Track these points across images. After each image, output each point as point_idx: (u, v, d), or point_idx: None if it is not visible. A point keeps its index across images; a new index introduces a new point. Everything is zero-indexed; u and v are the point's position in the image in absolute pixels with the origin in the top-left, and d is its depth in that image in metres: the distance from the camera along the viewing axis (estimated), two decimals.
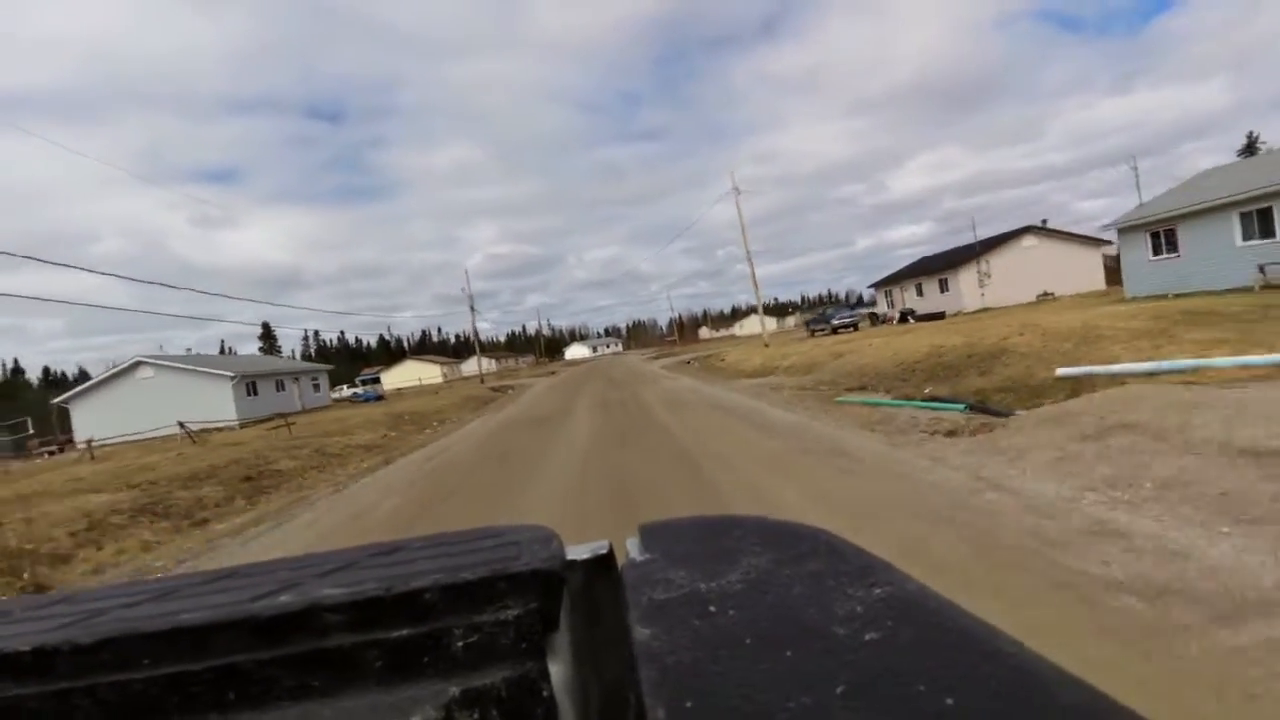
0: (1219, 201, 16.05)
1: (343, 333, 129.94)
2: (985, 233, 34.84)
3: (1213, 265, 16.17)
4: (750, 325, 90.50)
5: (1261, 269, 14.56)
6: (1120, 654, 2.39)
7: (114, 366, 28.93)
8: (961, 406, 8.24)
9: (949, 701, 0.24)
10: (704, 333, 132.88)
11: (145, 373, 27.94)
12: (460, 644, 0.30)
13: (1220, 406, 5.29)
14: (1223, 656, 2.28)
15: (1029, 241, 30.38)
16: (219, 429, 24.01)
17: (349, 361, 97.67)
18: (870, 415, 8.79)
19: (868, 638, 0.28)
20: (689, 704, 0.25)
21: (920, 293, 33.93)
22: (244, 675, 0.28)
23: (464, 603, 0.30)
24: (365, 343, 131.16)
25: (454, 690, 0.29)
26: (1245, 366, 6.62)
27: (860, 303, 57.07)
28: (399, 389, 50.06)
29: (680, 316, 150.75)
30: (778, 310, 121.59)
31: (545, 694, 0.30)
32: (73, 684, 0.28)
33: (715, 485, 5.90)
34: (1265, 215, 15.07)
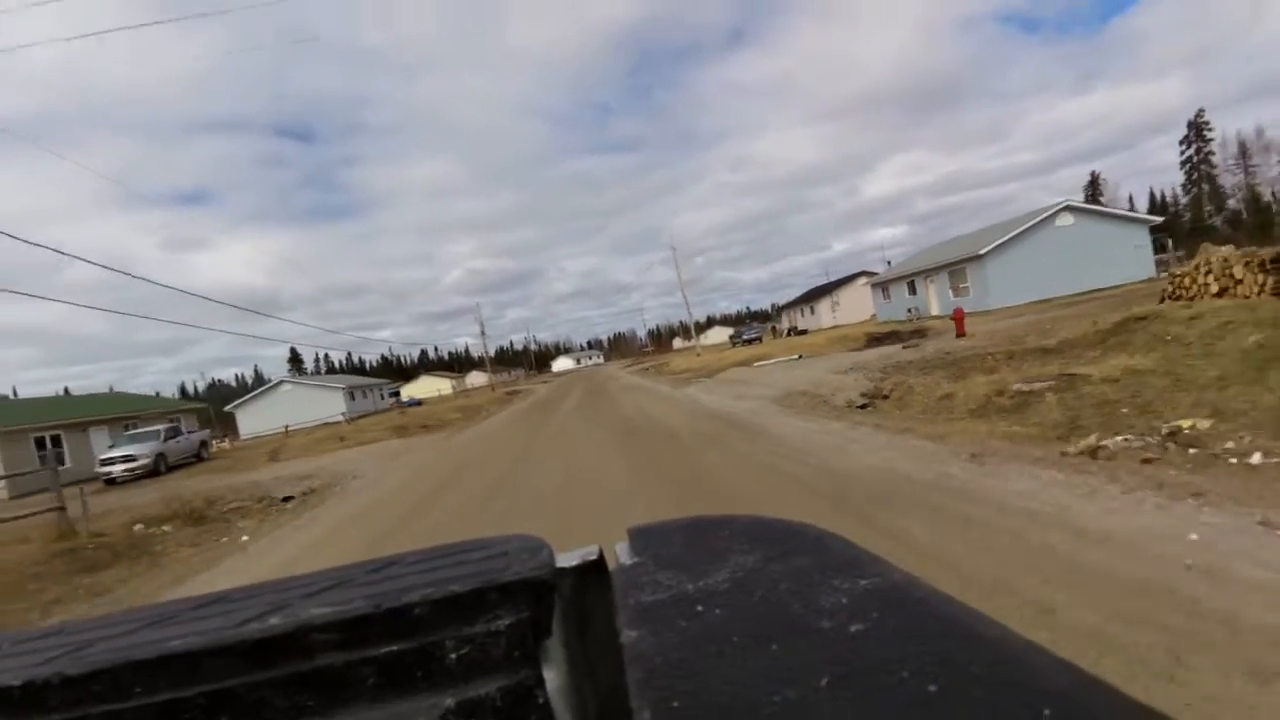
0: (898, 274, 31.04)
1: (350, 353, 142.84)
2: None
3: (897, 308, 31.09)
4: (713, 336, 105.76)
5: (909, 310, 29.43)
6: (677, 397, 16.92)
7: (264, 387, 43.18)
8: (711, 378, 22.70)
9: (932, 689, 0.24)
10: (677, 343, 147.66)
11: (286, 388, 42.30)
12: (453, 656, 0.29)
13: (753, 371, 19.85)
14: (680, 396, 16.83)
15: (861, 280, 45.36)
16: (346, 420, 38.09)
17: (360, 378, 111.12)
18: (688, 384, 23.27)
19: (853, 629, 0.29)
20: (675, 703, 0.25)
21: (803, 314, 49.05)
22: (236, 699, 0.28)
23: (455, 615, 0.30)
24: (369, 361, 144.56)
25: (449, 703, 0.29)
26: (744, 360, 21.23)
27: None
28: (424, 398, 64.03)
29: (658, 328, 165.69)
30: (738, 321, 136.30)
31: (541, 701, 0.30)
32: (64, 716, 0.28)
33: (618, 402, 20.34)
34: (912, 284, 30.04)
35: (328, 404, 40.43)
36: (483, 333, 62.31)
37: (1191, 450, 5.14)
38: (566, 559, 0.35)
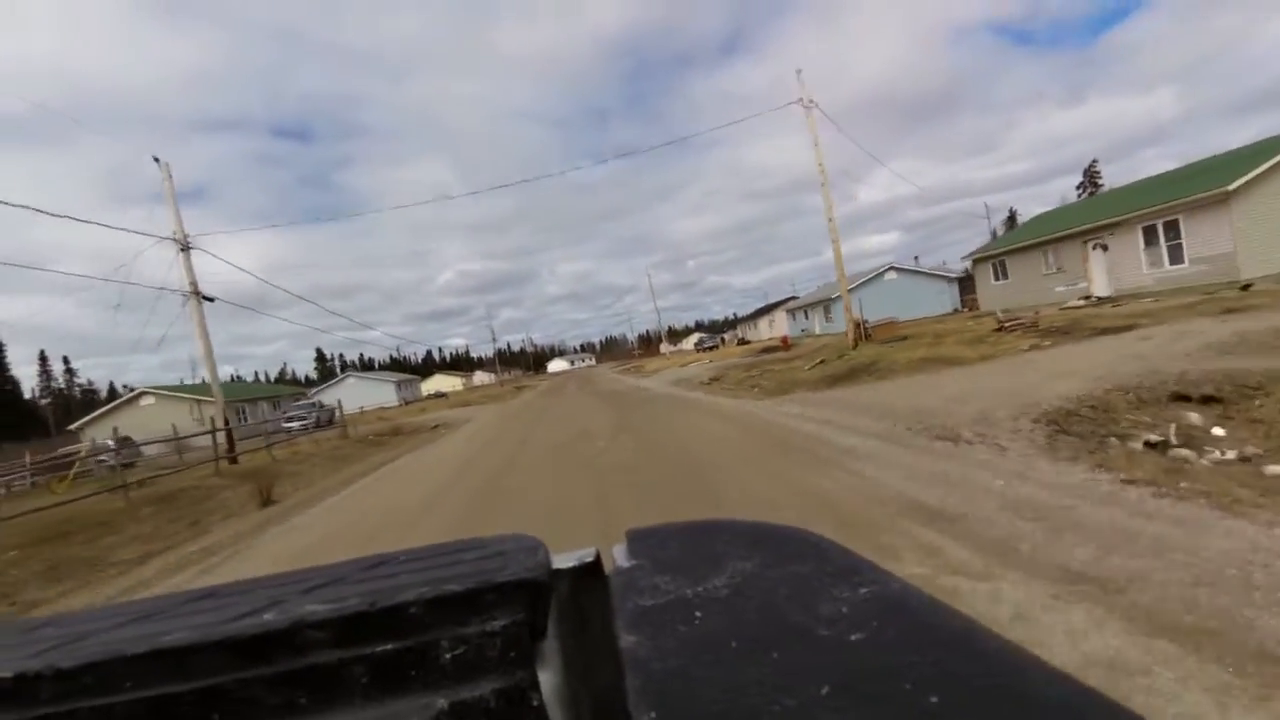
0: (801, 304, 44.26)
1: (361, 354, 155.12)
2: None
3: (798, 327, 44.32)
4: (692, 342, 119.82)
5: (802, 330, 42.63)
6: (631, 383, 30.11)
7: (329, 384, 56.34)
8: (658, 374, 35.78)
9: (933, 700, 0.24)
10: (664, 348, 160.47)
11: (351, 380, 55.07)
12: (447, 656, 0.29)
13: (680, 369, 33.03)
14: (632, 382, 30.03)
15: (789, 304, 58.75)
16: (393, 405, 50.92)
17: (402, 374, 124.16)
18: (643, 377, 36.35)
19: (852, 638, 0.29)
20: (675, 709, 0.25)
21: (752, 328, 62.41)
22: (228, 696, 0.28)
23: (450, 615, 0.30)
24: (377, 361, 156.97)
25: (442, 703, 0.29)
26: (686, 362, 34.39)
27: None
28: (446, 391, 76.79)
29: (648, 332, 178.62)
30: (721, 327, 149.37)
31: (535, 704, 0.29)
32: (55, 709, 0.28)
33: (598, 386, 33.45)
34: (806, 311, 43.28)
35: (382, 394, 53.35)
36: (494, 338, 75.31)
37: (750, 388, 18.34)
38: (563, 560, 0.35)
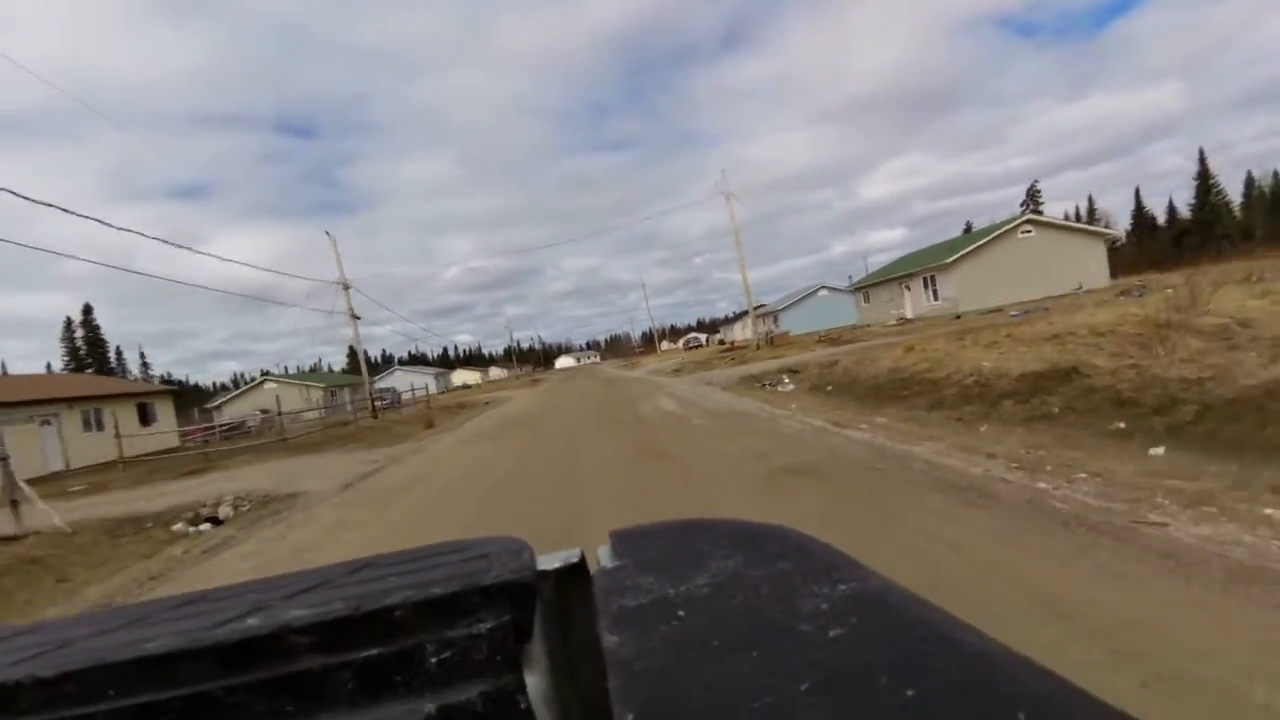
0: (764, 312, 56.02)
1: (385, 349, 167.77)
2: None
3: (761, 330, 56.13)
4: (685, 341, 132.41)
5: (763, 333, 54.46)
6: (621, 375, 42.16)
7: (384, 374, 68.67)
8: (644, 368, 47.65)
9: (910, 694, 0.24)
10: (665, 345, 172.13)
11: (399, 372, 67.31)
12: (434, 660, 0.29)
13: (660, 363, 44.93)
14: (622, 374, 42.06)
15: (757, 312, 70.51)
16: (434, 393, 63.11)
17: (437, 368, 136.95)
18: (632, 370, 48.31)
19: (832, 634, 0.29)
20: (656, 709, 0.26)
21: (730, 331, 74.24)
22: (213, 703, 0.28)
23: (435, 618, 0.30)
24: (397, 356, 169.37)
25: (429, 708, 0.28)
26: (669, 359, 46.33)
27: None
28: (471, 384, 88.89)
29: (650, 330, 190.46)
30: (711, 327, 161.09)
31: (523, 706, 0.29)
32: (37, 718, 0.28)
33: (599, 377, 45.46)
34: (765, 319, 55.19)
35: (424, 384, 65.55)
36: (511, 335, 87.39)
37: (688, 374, 30.34)
38: (548, 561, 0.35)
